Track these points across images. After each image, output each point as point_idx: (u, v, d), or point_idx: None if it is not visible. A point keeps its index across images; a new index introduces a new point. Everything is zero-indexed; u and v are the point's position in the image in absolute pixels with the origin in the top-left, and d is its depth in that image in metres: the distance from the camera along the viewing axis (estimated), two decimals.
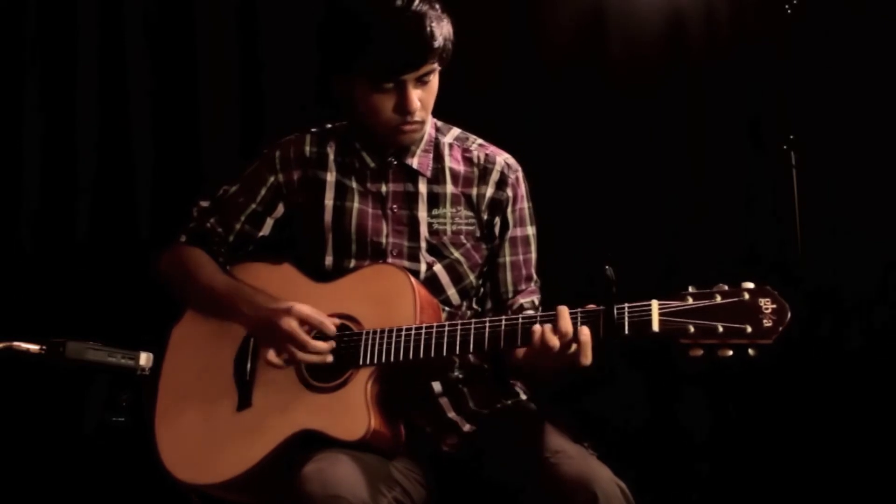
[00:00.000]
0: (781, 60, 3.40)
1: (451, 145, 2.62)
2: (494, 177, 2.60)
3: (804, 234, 3.34)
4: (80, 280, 3.36)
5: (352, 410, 2.35)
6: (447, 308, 2.54)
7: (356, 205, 2.56)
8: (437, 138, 2.61)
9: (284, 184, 2.61)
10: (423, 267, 2.54)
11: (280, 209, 2.62)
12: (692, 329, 2.16)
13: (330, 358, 2.40)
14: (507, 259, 2.61)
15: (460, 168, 2.60)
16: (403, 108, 2.45)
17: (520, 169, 2.64)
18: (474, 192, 2.59)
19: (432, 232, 2.56)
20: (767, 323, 2.13)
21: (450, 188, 2.58)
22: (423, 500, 2.40)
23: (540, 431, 2.37)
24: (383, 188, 2.58)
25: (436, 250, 2.56)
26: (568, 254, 3.22)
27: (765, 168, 3.47)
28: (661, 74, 3.55)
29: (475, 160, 2.61)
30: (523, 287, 2.61)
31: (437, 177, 2.58)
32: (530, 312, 2.51)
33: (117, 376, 2.39)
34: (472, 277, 2.58)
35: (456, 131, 2.66)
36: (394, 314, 2.40)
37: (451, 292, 2.56)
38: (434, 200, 2.57)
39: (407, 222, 2.56)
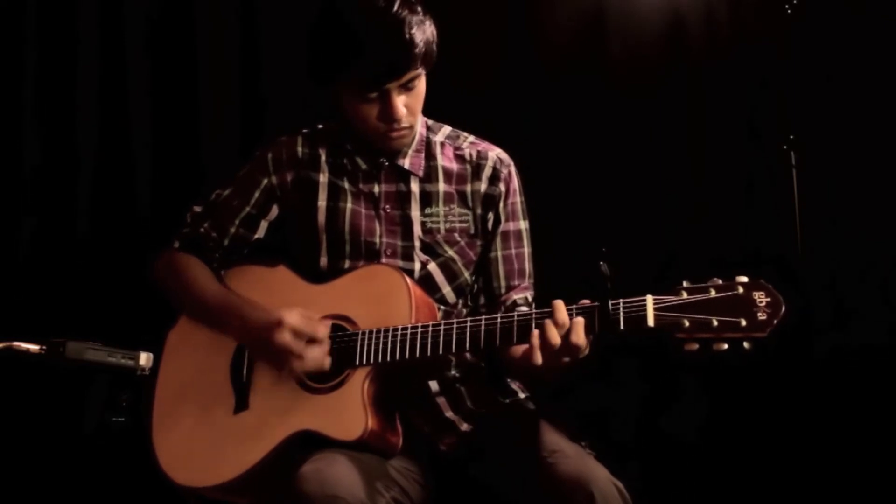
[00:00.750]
0: (781, 60, 3.39)
1: (442, 144, 2.62)
2: (487, 172, 2.60)
3: (804, 233, 3.34)
4: (80, 280, 3.36)
5: (349, 410, 2.35)
6: (442, 307, 2.54)
7: (349, 205, 2.56)
8: (428, 137, 2.61)
9: (278, 185, 2.60)
10: (418, 266, 2.54)
11: (274, 211, 2.61)
12: (687, 323, 2.16)
13: (328, 364, 2.40)
14: (500, 253, 2.60)
15: (453, 166, 2.60)
16: (389, 115, 2.44)
17: (512, 163, 2.63)
18: (468, 188, 2.59)
19: (426, 231, 2.56)
20: (762, 316, 2.13)
21: (442, 186, 2.58)
22: (421, 500, 2.40)
23: (537, 430, 2.37)
24: (376, 189, 2.57)
25: (430, 249, 2.55)
26: (568, 253, 3.21)
27: (764, 168, 3.46)
28: (661, 74, 3.54)
29: (467, 157, 2.61)
30: (516, 282, 2.60)
31: (429, 176, 2.58)
32: (524, 309, 2.52)
33: (117, 376, 2.39)
34: (466, 275, 2.58)
35: (447, 129, 2.65)
36: (389, 314, 2.39)
37: (447, 290, 2.56)
38: (426, 199, 2.57)
39: (400, 222, 2.56)
